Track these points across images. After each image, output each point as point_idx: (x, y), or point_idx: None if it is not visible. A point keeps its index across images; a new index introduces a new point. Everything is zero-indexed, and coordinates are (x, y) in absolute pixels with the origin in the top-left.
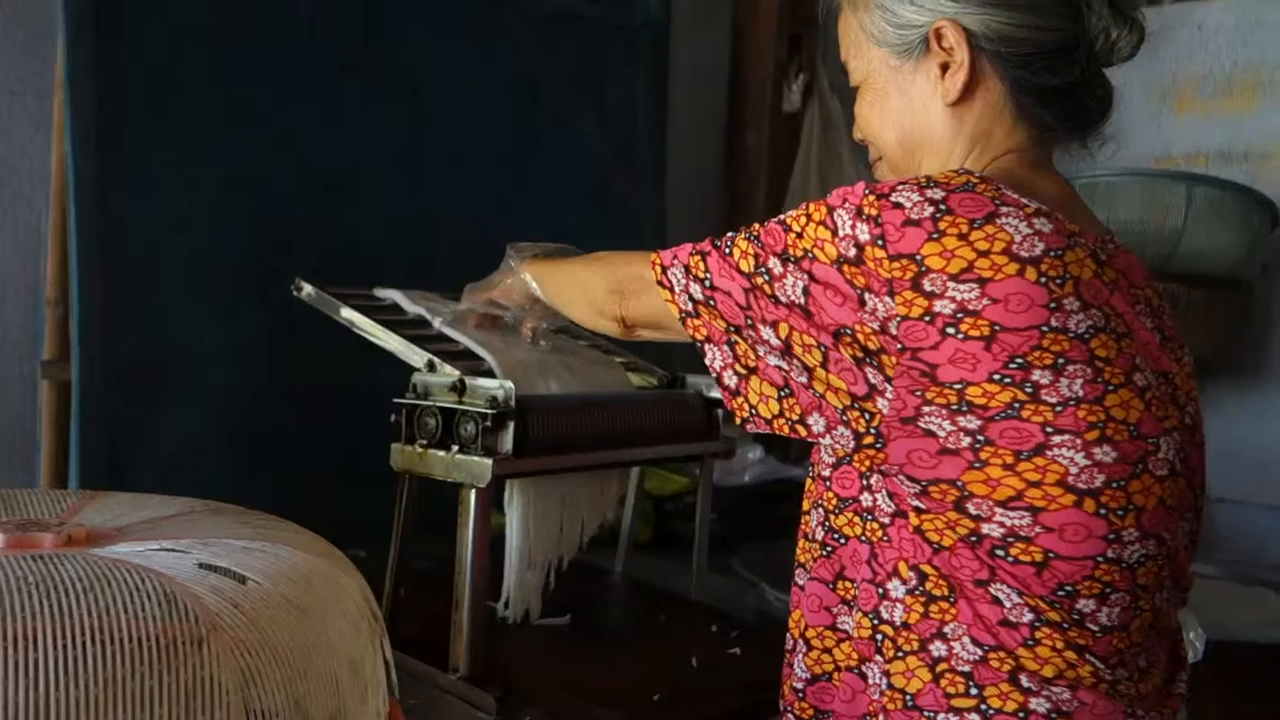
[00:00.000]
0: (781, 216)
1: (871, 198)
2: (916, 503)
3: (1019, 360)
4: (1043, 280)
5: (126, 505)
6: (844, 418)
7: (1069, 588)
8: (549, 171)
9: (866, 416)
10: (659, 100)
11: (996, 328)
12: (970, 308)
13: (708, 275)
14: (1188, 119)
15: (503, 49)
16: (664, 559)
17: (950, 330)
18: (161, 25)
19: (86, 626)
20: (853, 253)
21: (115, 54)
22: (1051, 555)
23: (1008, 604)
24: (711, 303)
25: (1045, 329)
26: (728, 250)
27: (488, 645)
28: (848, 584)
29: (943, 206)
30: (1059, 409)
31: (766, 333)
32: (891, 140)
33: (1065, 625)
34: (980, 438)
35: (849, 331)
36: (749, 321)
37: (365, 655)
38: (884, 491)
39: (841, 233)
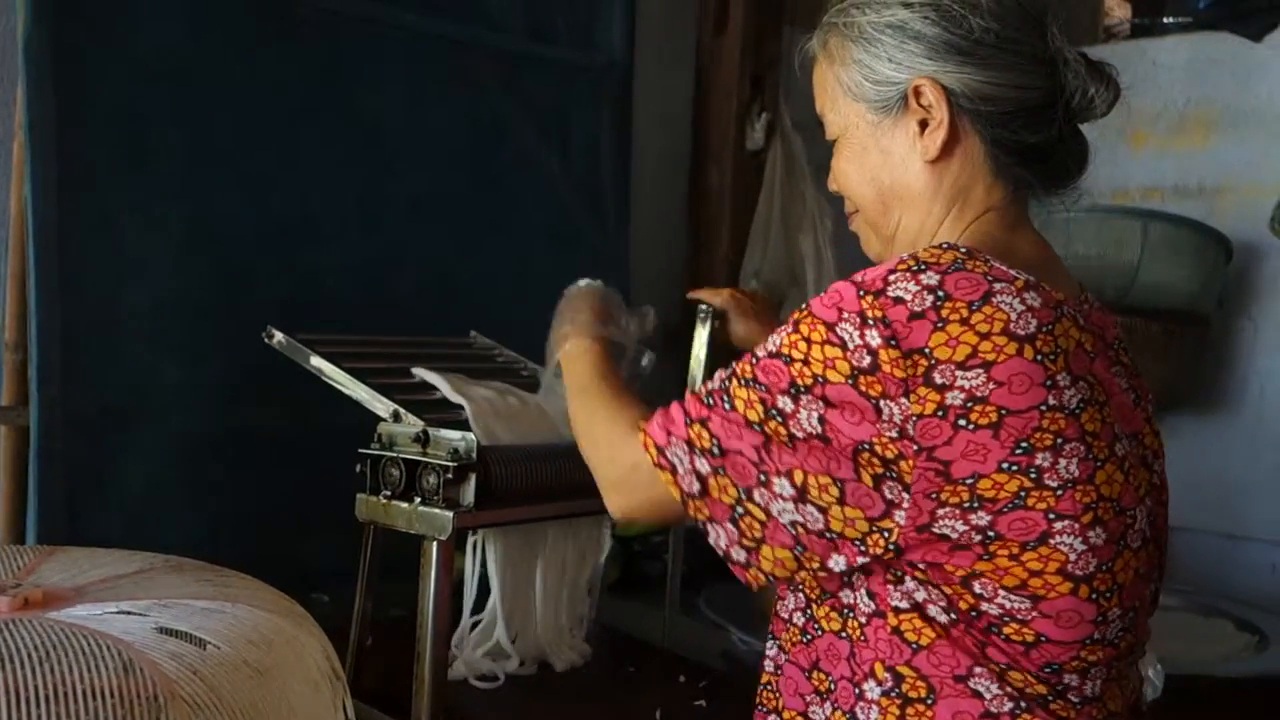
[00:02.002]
0: (771, 348)
1: (870, 298)
2: (898, 602)
3: (1024, 445)
4: (1038, 358)
5: (85, 562)
6: (862, 546)
7: (1055, 665)
8: (512, 212)
9: (885, 534)
10: (622, 139)
11: (1003, 412)
12: (978, 394)
13: (714, 442)
14: (1143, 154)
15: (465, 90)
16: (632, 600)
17: (961, 423)
18: (122, 70)
19: (43, 694)
20: (867, 362)
21: (75, 99)
22: (1043, 639)
23: (988, 696)
24: (721, 471)
25: (1044, 408)
26: (727, 406)
27: (449, 698)
28: (822, 676)
29: (941, 293)
30: (1059, 493)
31: (780, 485)
32: (870, 195)
33: (1049, 698)
34: (990, 533)
35: (868, 447)
36: (762, 479)
37: (326, 715)
38: (864, 590)
39: (852, 345)
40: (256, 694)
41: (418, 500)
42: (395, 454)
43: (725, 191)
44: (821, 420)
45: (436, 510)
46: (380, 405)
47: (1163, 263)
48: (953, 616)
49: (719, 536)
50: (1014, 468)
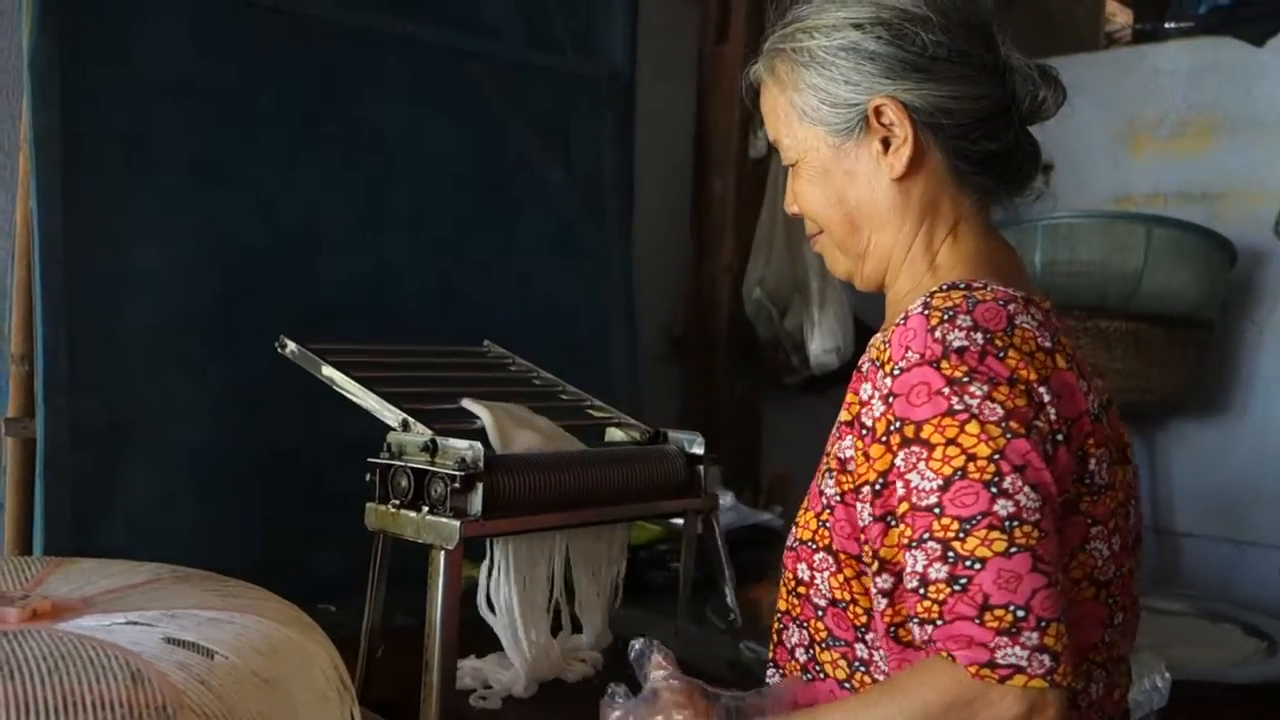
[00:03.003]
0: (934, 484)
1: (945, 364)
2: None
3: (1081, 453)
4: (1069, 365)
5: (92, 573)
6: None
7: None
8: (515, 222)
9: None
10: (625, 149)
11: (1069, 422)
12: (1054, 411)
13: (1011, 608)
14: (1146, 160)
15: (468, 101)
16: (638, 608)
17: (1059, 437)
18: (126, 84)
19: (52, 705)
20: (1000, 410)
21: (81, 111)
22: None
23: None
24: (1043, 623)
25: (1085, 415)
26: (979, 567)
27: (459, 707)
28: None
29: (983, 329)
30: (1096, 498)
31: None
32: (836, 217)
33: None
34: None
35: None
36: (1059, 589)
37: None
38: (880, 650)
39: (976, 407)
40: (264, 704)
41: (425, 509)
42: (404, 463)
43: (728, 200)
44: (1033, 487)
45: (444, 519)
46: (389, 414)
47: (1166, 268)
48: None
49: (1068, 679)
50: (1076, 476)
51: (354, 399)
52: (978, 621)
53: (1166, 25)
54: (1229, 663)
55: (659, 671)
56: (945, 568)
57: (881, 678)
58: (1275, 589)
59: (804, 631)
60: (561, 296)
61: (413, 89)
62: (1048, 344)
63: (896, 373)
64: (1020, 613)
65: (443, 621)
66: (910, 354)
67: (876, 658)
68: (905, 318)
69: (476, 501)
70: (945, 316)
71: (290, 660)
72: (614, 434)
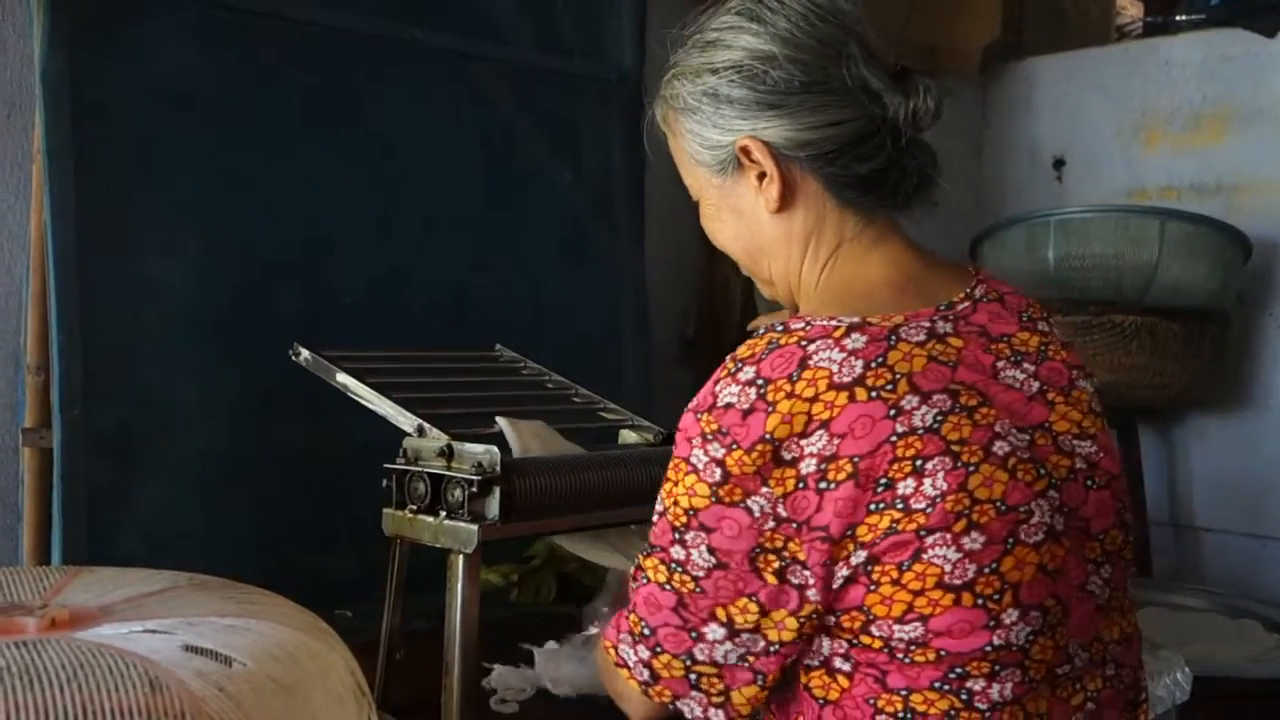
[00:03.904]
0: (657, 508)
1: (706, 416)
2: (809, 660)
3: (884, 481)
4: (874, 394)
5: (110, 581)
6: (801, 637)
7: (960, 670)
8: (525, 225)
9: (814, 618)
10: (635, 151)
11: (855, 460)
12: (826, 454)
13: (643, 623)
14: (1159, 153)
15: (476, 105)
16: None
17: (822, 485)
18: (138, 93)
19: (71, 715)
20: (718, 475)
21: (93, 122)
22: (944, 653)
23: None
24: (660, 649)
25: (894, 438)
26: (644, 580)
27: (481, 710)
28: None
29: (760, 381)
30: (929, 510)
31: (711, 631)
32: (738, 250)
33: (953, 713)
34: (869, 561)
35: (759, 549)
36: (694, 635)
37: None
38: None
39: (702, 466)
40: (282, 710)
41: (443, 514)
42: (420, 468)
43: None
44: (710, 550)
45: (461, 524)
46: (405, 420)
47: (1181, 262)
48: (855, 660)
49: (692, 709)
50: (881, 505)
51: (369, 405)
52: (627, 615)
53: (1177, 18)
54: (1250, 658)
55: None
56: (635, 570)
57: (792, 677)
58: None
59: None
60: (573, 299)
61: (422, 94)
62: (848, 378)
63: (686, 411)
64: (646, 631)
65: (462, 625)
66: (696, 397)
67: (824, 649)
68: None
69: (494, 505)
70: (733, 369)
71: (308, 666)
72: (627, 436)
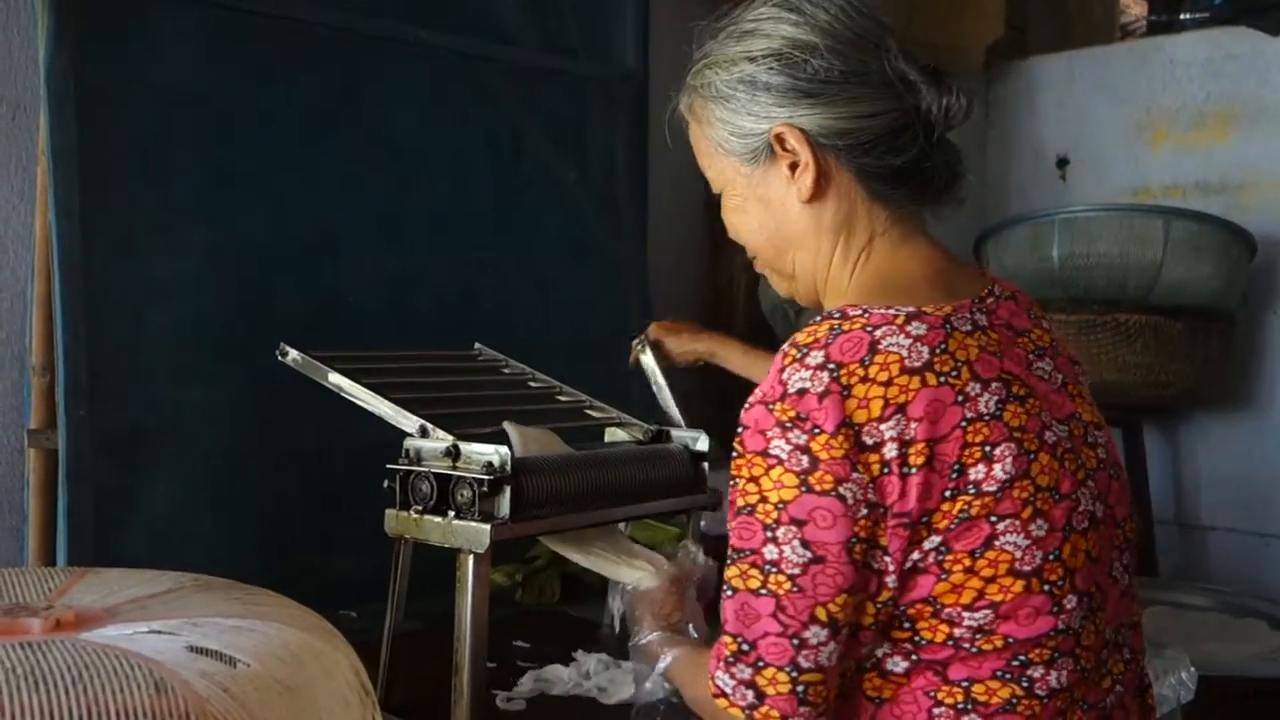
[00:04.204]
0: (730, 510)
1: (779, 405)
2: (859, 661)
3: (956, 466)
4: (942, 380)
5: (115, 582)
6: (876, 623)
7: (1023, 658)
8: (530, 225)
9: (889, 604)
10: (638, 150)
11: (931, 443)
12: (906, 438)
13: (739, 640)
14: (1164, 151)
15: (480, 105)
16: None
17: (905, 470)
18: (142, 95)
19: (76, 716)
20: (806, 461)
21: (97, 124)
22: (1011, 640)
23: None
24: (761, 663)
25: (964, 424)
26: (730, 593)
27: (488, 709)
28: None
29: (831, 365)
30: (999, 495)
31: (813, 634)
32: (760, 241)
33: (1014, 702)
34: (942, 549)
35: (855, 539)
36: (796, 643)
37: None
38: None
39: (786, 455)
40: (287, 711)
41: (451, 514)
42: (425, 469)
43: None
44: (804, 544)
45: (473, 524)
46: (406, 421)
47: (1185, 261)
48: (914, 659)
49: None
50: (954, 491)
51: (365, 406)
52: (722, 639)
53: (1181, 16)
54: (1256, 657)
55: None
56: (722, 585)
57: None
58: None
59: None
60: (577, 298)
61: (426, 94)
62: (918, 363)
63: (747, 406)
64: (744, 647)
65: (472, 625)
66: (759, 390)
67: (878, 652)
68: (776, 357)
69: (504, 505)
70: (798, 355)
71: (312, 667)
72: (615, 434)
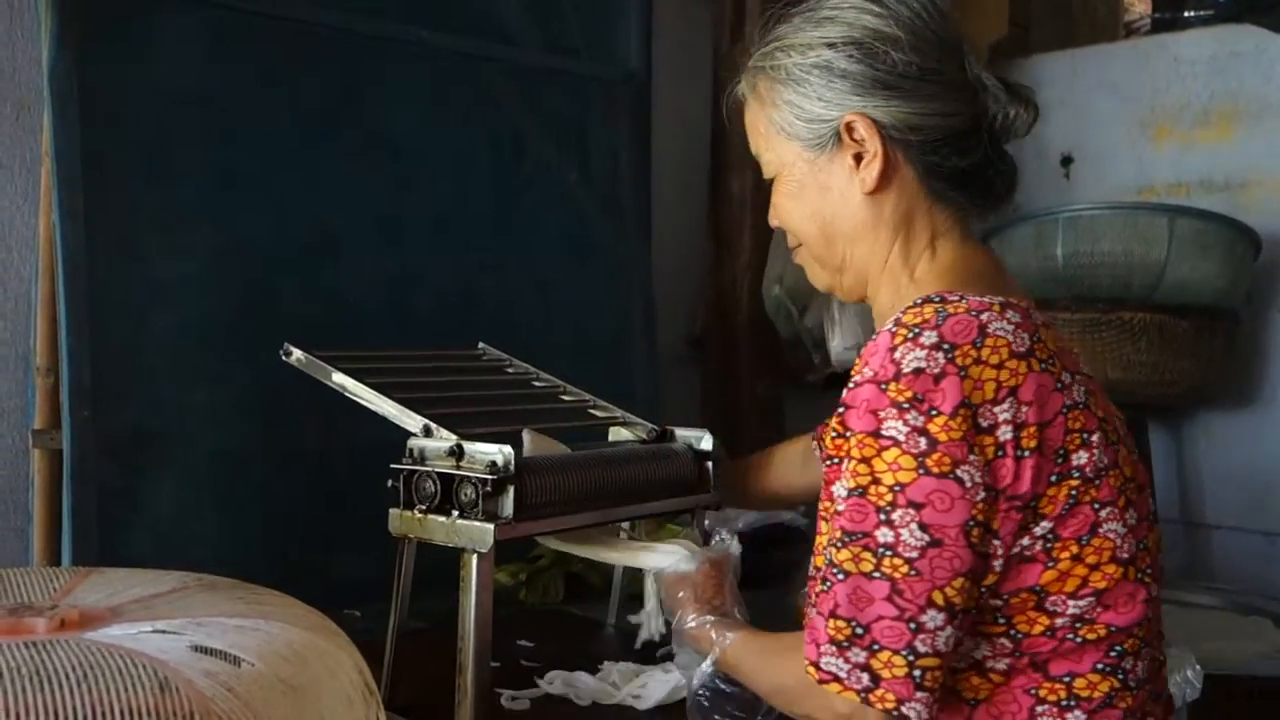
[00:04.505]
0: (843, 492)
1: (892, 385)
2: (954, 664)
3: (1061, 452)
4: (1044, 366)
5: (120, 582)
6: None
7: (1120, 648)
8: (533, 225)
9: (991, 588)
10: (642, 151)
11: (1040, 427)
12: (1019, 421)
13: (853, 623)
14: (1168, 149)
15: (483, 105)
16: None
17: (1019, 453)
18: (145, 96)
19: (81, 715)
20: (924, 443)
21: (100, 125)
22: (1113, 629)
23: None
24: (876, 645)
25: (1065, 410)
26: (841, 577)
27: (493, 709)
28: None
29: (946, 345)
30: (1098, 482)
31: (931, 618)
32: (812, 230)
33: (1112, 695)
34: (1050, 537)
35: (973, 522)
36: (914, 626)
37: None
38: None
39: (903, 437)
40: (291, 710)
41: (455, 514)
42: (429, 468)
43: (746, 199)
44: (922, 527)
45: (476, 523)
46: (410, 420)
47: (1190, 259)
48: (1017, 655)
49: (919, 712)
50: (1059, 476)
51: (369, 405)
52: (825, 623)
53: (1186, 14)
54: (1261, 655)
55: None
56: (823, 565)
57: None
58: None
59: None
60: (580, 299)
61: (428, 95)
62: (1023, 348)
63: (852, 385)
64: (859, 630)
65: (476, 624)
66: (866, 370)
67: (975, 653)
68: (878, 333)
69: (508, 504)
70: (910, 334)
71: (316, 666)
72: (619, 433)
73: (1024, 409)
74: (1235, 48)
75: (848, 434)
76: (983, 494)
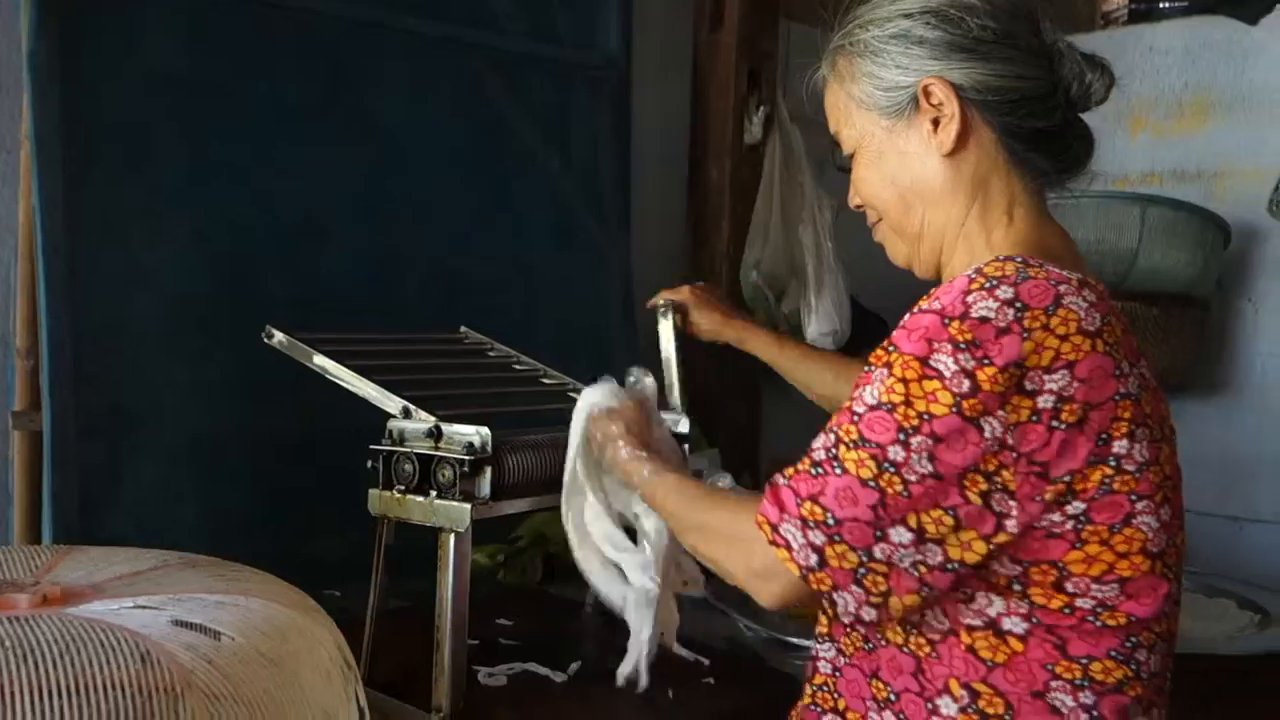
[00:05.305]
0: (870, 400)
1: (956, 324)
2: (970, 620)
3: (1104, 436)
4: (1108, 350)
5: (101, 560)
6: (982, 565)
7: (1135, 639)
8: (514, 211)
9: (1002, 549)
10: (622, 137)
11: (1087, 407)
12: (1065, 394)
13: (828, 514)
14: (1142, 139)
15: (465, 92)
16: None
17: (1054, 424)
18: (125, 78)
19: (64, 686)
20: (967, 386)
21: (81, 107)
22: (1133, 619)
23: (1065, 709)
24: (838, 539)
25: (1117, 397)
26: (839, 471)
27: (467, 685)
28: (881, 685)
29: (1019, 304)
30: (1138, 475)
31: (897, 534)
32: (891, 197)
33: (1124, 683)
34: (1082, 519)
35: (973, 468)
36: (879, 535)
37: (339, 704)
38: (937, 608)
39: (949, 374)
40: (270, 683)
41: (433, 494)
42: (408, 449)
43: (724, 186)
44: (932, 458)
45: (454, 503)
46: (390, 402)
47: (1161, 247)
48: (1034, 621)
49: (846, 603)
50: (1096, 459)
51: (350, 387)
52: (799, 501)
53: (1161, 5)
54: (1225, 635)
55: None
56: (822, 453)
57: (935, 637)
58: (1276, 564)
59: None
60: (561, 285)
61: (412, 81)
62: (1092, 327)
63: (916, 311)
64: (830, 521)
65: (453, 601)
66: (935, 302)
67: (927, 616)
68: (955, 278)
69: (485, 485)
70: (988, 284)
71: (295, 641)
72: None
73: (1075, 384)
74: (1209, 39)
75: (891, 350)
76: (995, 448)
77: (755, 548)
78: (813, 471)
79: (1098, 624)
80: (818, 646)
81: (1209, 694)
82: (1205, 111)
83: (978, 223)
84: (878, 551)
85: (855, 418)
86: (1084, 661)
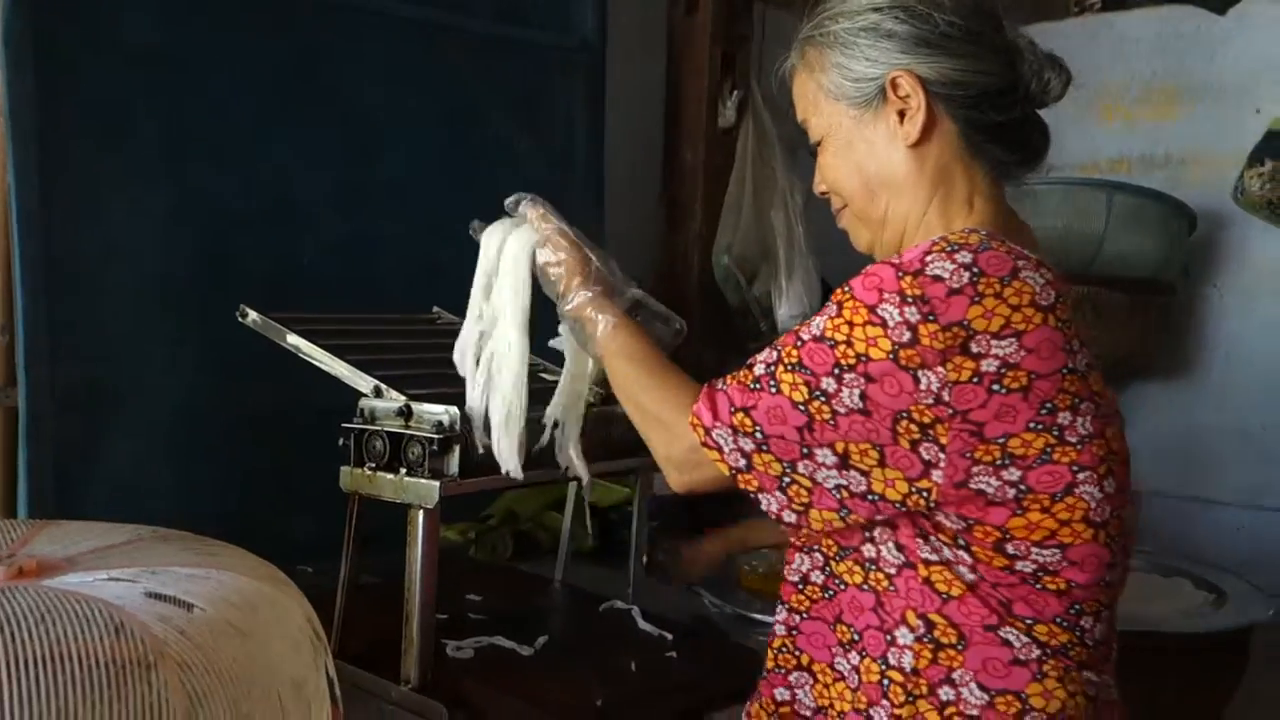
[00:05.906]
0: (815, 331)
1: (909, 278)
2: (927, 555)
3: (1048, 405)
4: (1059, 325)
5: (76, 534)
6: (903, 505)
7: (1078, 607)
8: (489, 193)
9: (924, 495)
10: (596, 120)
11: (1033, 376)
12: (1011, 361)
13: (757, 427)
14: (1111, 126)
15: (440, 73)
16: (606, 567)
17: (995, 387)
18: (103, 55)
19: (39, 656)
20: (907, 337)
21: (57, 84)
22: (1073, 585)
23: (1017, 644)
24: (765, 448)
25: (1065, 371)
26: (773, 389)
27: (436, 658)
28: (845, 628)
29: (975, 269)
30: (1080, 447)
31: (822, 455)
32: (857, 185)
33: (1070, 646)
34: (1022, 487)
35: (906, 415)
36: (805, 452)
37: (308, 674)
38: (890, 543)
39: (892, 323)
40: (241, 653)
41: (403, 471)
42: (379, 427)
43: (698, 169)
44: (863, 396)
45: (423, 480)
46: (362, 381)
47: (1127, 233)
48: (979, 575)
49: (770, 503)
50: (1040, 426)
51: (323, 366)
52: (732, 410)
53: None
54: (1180, 613)
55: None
56: (762, 368)
57: (892, 571)
58: (1236, 546)
59: (814, 555)
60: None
61: (387, 62)
62: (1045, 302)
63: (880, 261)
64: (759, 434)
65: (422, 576)
66: (896, 257)
67: (883, 551)
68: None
69: (453, 463)
70: (949, 248)
71: (265, 613)
72: None
73: (1022, 353)
74: (1179, 28)
75: (846, 291)
76: (930, 401)
77: (678, 438)
78: (751, 385)
79: (1038, 587)
80: (776, 612)
81: (1163, 670)
82: (1174, 99)
83: (939, 211)
84: (801, 467)
85: (799, 343)
86: (1029, 622)
